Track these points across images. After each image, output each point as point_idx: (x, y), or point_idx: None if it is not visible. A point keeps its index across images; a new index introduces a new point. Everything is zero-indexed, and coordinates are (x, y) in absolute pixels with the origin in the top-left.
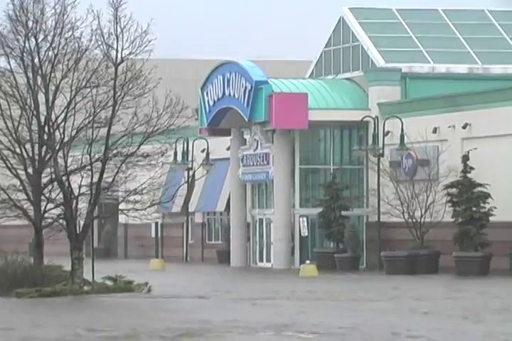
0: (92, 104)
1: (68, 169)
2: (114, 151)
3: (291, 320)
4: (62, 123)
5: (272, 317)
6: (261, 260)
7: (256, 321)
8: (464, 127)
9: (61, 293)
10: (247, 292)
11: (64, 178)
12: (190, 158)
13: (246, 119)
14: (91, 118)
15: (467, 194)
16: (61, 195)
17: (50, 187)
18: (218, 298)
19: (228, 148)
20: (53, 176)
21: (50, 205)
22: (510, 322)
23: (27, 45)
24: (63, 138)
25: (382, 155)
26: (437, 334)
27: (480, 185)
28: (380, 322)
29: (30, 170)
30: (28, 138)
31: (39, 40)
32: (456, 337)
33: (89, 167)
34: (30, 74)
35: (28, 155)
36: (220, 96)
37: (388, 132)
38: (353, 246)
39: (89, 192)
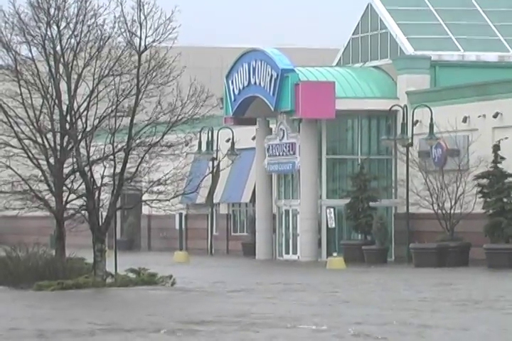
0: (115, 92)
1: (90, 159)
2: (138, 141)
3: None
4: (85, 113)
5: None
6: (287, 252)
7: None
8: (495, 116)
9: (83, 285)
10: (273, 285)
11: (86, 168)
12: (214, 148)
13: (272, 108)
14: (114, 107)
15: (498, 184)
16: (83, 186)
17: (72, 177)
18: (245, 291)
19: (254, 138)
20: (75, 166)
21: (72, 196)
22: None
23: (49, 32)
24: (85, 127)
25: (411, 145)
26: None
27: (511, 175)
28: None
29: (51, 161)
30: (50, 127)
31: (61, 28)
32: None
33: (112, 157)
34: (52, 63)
35: (49, 145)
36: (245, 84)
37: (417, 121)
38: (381, 238)
39: (112, 182)
